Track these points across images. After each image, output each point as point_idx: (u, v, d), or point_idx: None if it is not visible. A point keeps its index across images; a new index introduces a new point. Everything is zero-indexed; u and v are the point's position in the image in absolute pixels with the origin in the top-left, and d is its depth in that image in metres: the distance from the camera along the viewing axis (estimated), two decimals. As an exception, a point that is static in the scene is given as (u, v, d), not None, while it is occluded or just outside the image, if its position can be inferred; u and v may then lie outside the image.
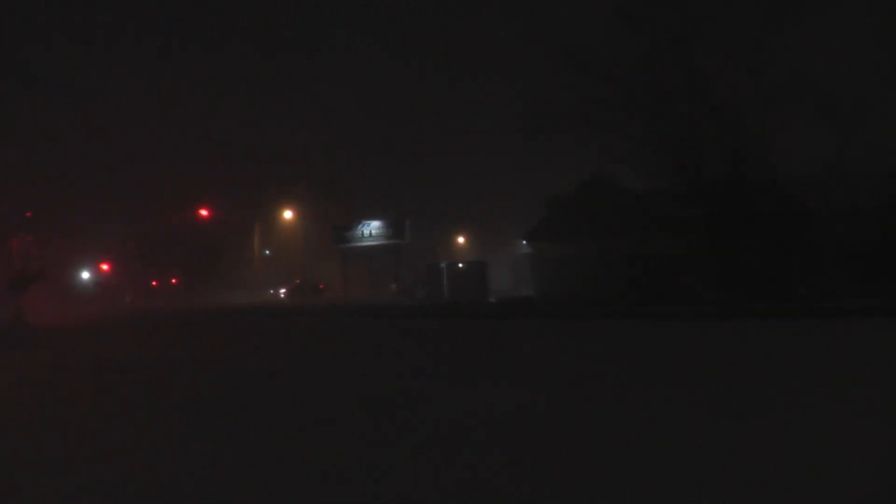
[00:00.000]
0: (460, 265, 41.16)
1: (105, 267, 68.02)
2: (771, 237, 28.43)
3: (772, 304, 21.58)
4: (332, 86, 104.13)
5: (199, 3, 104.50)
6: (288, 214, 71.52)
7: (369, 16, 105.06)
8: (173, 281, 74.46)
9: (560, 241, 35.80)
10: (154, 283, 67.98)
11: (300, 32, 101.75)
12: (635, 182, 36.88)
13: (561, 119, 32.68)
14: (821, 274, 26.74)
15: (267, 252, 78.75)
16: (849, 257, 26.49)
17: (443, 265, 41.13)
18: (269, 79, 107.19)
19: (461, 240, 75.72)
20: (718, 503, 4.05)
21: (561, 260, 35.29)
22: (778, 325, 15.17)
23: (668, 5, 29.66)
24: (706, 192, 29.80)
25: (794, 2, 27.87)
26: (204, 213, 56.44)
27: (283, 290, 58.34)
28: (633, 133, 32.39)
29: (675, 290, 29.15)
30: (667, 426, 5.80)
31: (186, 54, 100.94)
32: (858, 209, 28.00)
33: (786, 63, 29.34)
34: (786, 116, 29.06)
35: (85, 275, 66.68)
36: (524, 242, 43.59)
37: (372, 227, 48.33)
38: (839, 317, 16.22)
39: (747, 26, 28.81)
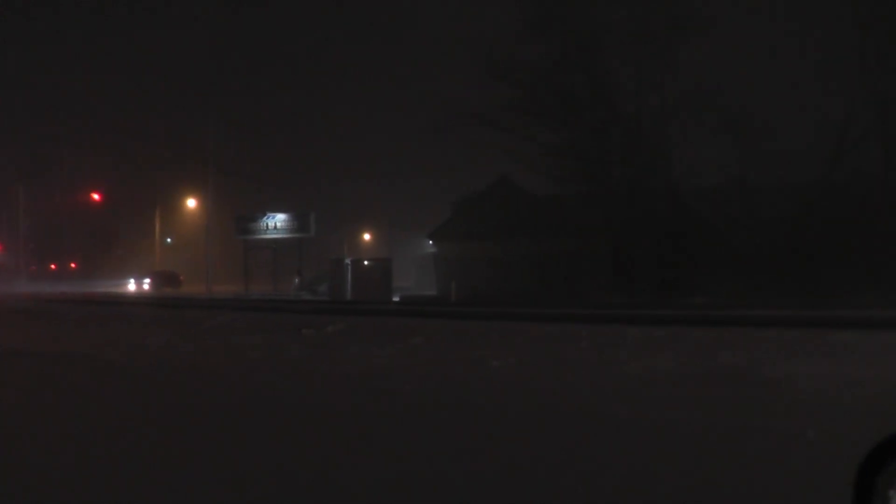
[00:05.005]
0: (365, 262, 40.52)
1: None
2: (669, 245, 29.15)
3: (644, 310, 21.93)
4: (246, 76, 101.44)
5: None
6: (191, 203, 68.89)
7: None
8: (72, 266, 70.91)
9: (465, 240, 35.82)
10: (33, 268, 63.77)
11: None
12: (541, 186, 37.38)
13: (472, 120, 32.74)
14: (719, 282, 27.35)
15: (169, 240, 75.81)
16: (747, 266, 27.26)
17: (347, 261, 40.38)
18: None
19: (367, 237, 75.00)
20: None
21: (465, 259, 35.29)
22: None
23: (577, 16, 30.12)
24: (608, 199, 30.38)
25: (698, 17, 28.71)
26: (96, 197, 53.54)
27: (146, 281, 54.82)
28: (540, 138, 32.77)
29: (573, 292, 29.47)
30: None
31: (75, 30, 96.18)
32: (758, 220, 28.96)
33: (690, 77, 30.26)
34: (689, 128, 29.97)
35: None
36: (430, 242, 43.43)
37: (277, 220, 46.93)
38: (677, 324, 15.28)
39: (653, 40, 29.53)
